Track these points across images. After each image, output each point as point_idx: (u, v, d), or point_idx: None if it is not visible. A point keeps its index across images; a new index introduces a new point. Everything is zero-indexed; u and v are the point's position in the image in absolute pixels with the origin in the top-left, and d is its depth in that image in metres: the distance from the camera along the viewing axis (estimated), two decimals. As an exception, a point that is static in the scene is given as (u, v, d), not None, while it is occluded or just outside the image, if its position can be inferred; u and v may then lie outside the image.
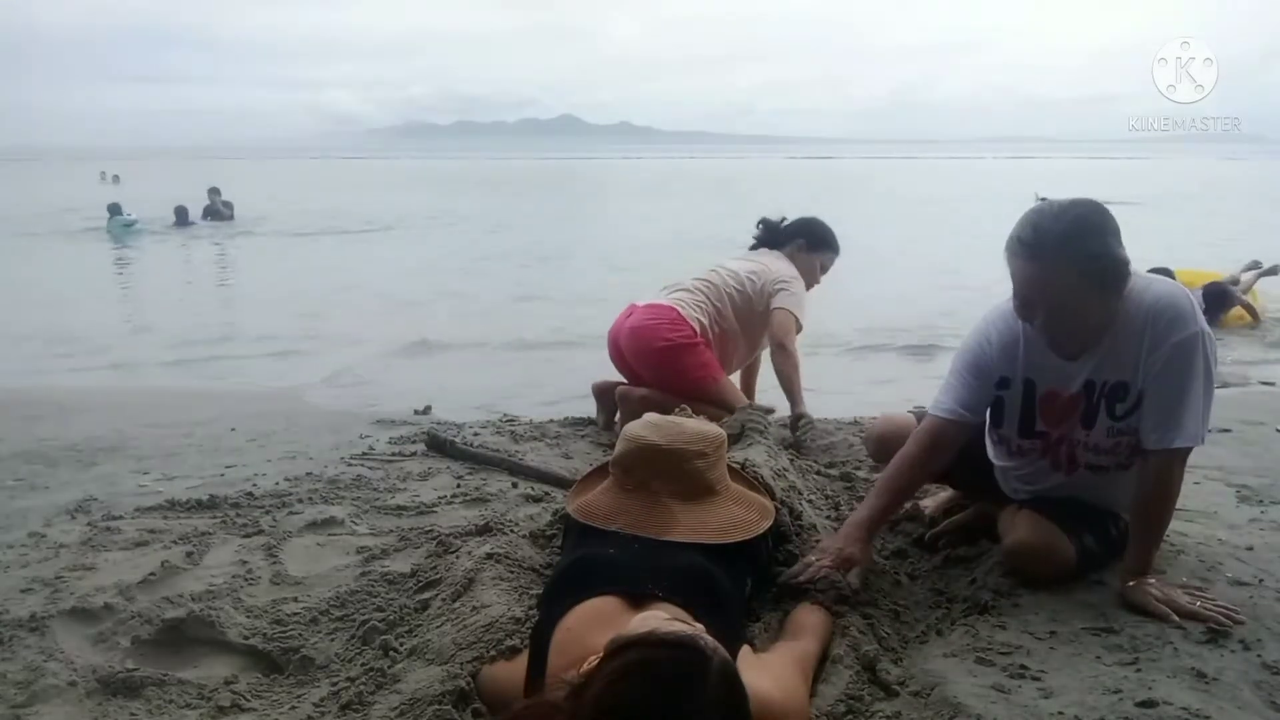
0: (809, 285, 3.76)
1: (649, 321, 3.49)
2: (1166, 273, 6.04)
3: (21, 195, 25.34)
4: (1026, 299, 1.95)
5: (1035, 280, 1.91)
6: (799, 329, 3.59)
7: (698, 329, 3.49)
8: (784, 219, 3.87)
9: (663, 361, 3.46)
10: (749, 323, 3.63)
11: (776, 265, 3.68)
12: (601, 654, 1.24)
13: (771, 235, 3.84)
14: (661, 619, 1.38)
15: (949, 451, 2.17)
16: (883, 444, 2.61)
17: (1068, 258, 1.86)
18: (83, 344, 6.35)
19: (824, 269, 3.84)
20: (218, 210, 16.66)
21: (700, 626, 1.42)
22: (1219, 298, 6.41)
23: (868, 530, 2.13)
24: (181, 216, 15.75)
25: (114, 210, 15.21)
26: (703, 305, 3.56)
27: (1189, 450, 1.96)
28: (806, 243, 3.78)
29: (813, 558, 2.07)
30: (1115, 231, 1.90)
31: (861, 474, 3.04)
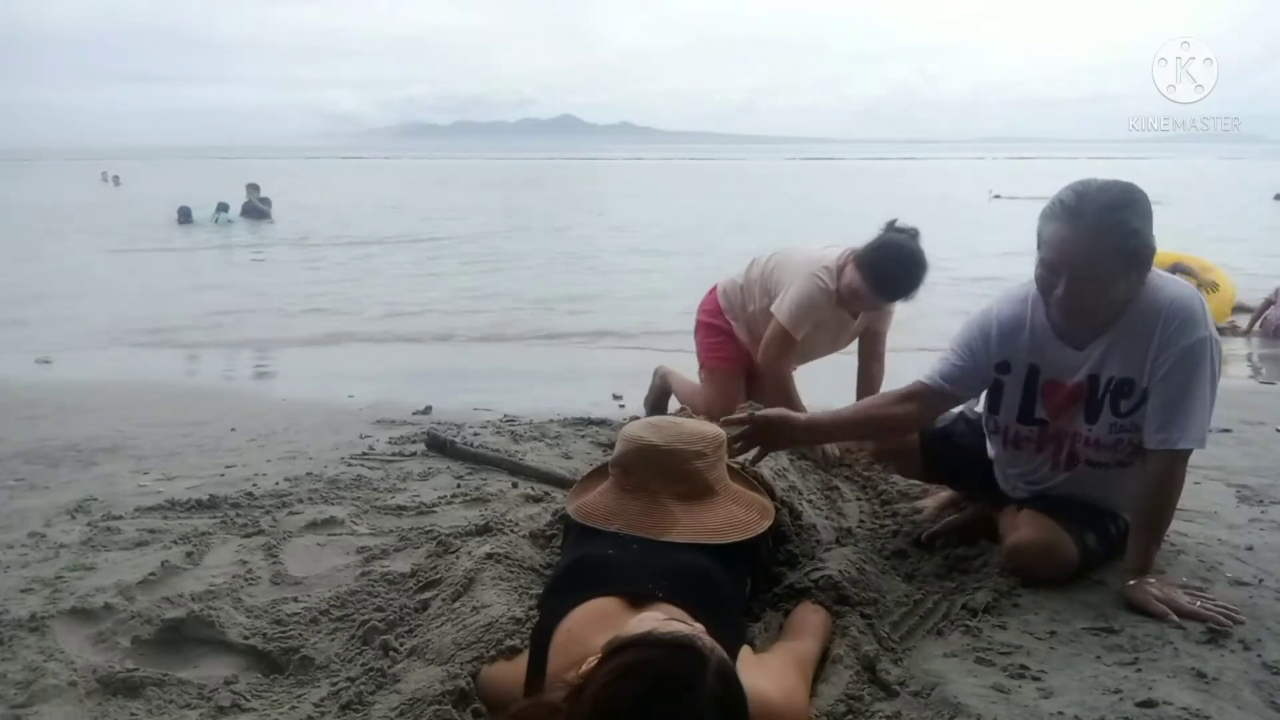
0: (856, 309, 3.17)
1: (708, 292, 3.67)
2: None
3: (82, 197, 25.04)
4: (1054, 265, 1.94)
5: (1069, 245, 1.90)
6: (788, 343, 3.13)
7: (727, 314, 3.49)
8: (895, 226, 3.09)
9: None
10: (753, 322, 3.40)
11: (804, 257, 3.20)
12: (600, 655, 1.24)
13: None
14: (660, 619, 1.38)
15: (916, 408, 2.22)
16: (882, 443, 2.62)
17: (1107, 227, 1.86)
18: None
19: (860, 297, 3.05)
20: (256, 208, 16.66)
21: (700, 626, 1.42)
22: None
23: (812, 419, 2.33)
24: (184, 215, 15.88)
25: (184, 215, 15.80)
26: (735, 293, 3.47)
27: (1190, 452, 1.97)
28: (857, 256, 3.06)
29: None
30: (1150, 216, 1.91)
31: (860, 471, 3.04)
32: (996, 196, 23.20)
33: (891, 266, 2.97)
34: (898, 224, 3.09)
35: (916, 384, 2.23)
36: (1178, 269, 6.63)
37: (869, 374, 3.43)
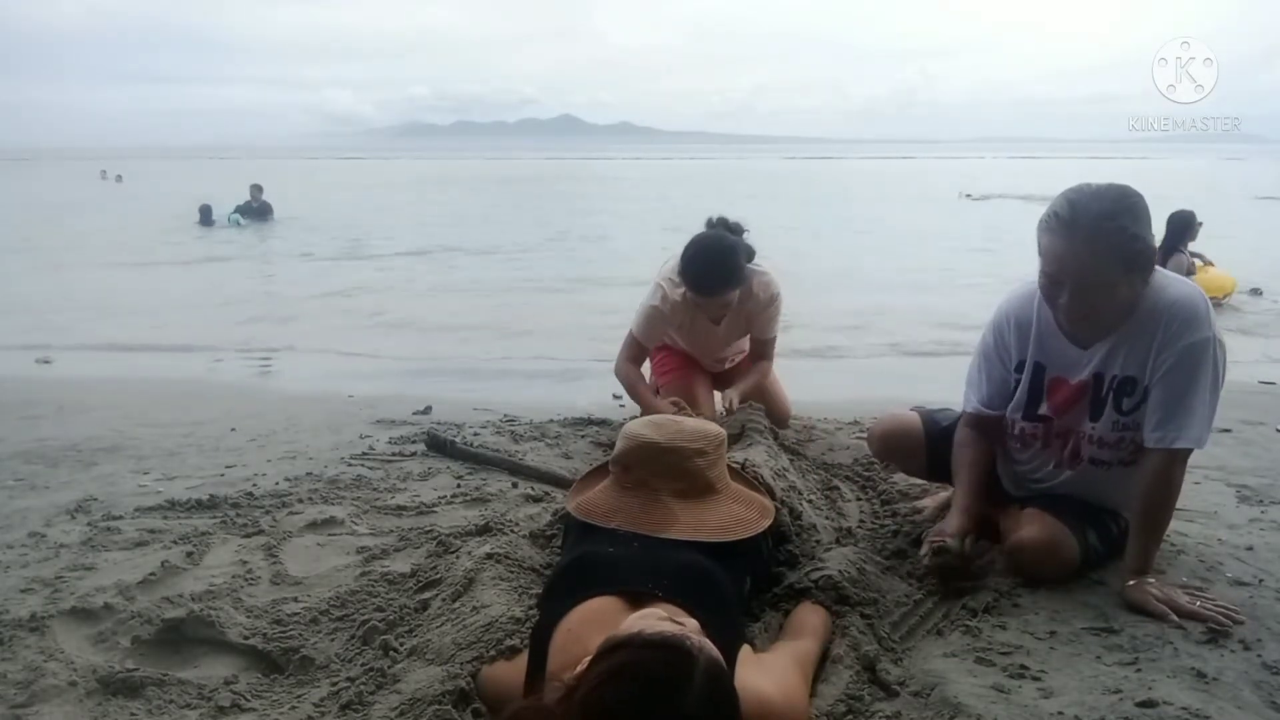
0: (709, 313, 3.22)
1: None
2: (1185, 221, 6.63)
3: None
4: (1055, 276, 1.95)
5: (1067, 256, 1.91)
6: (634, 348, 3.31)
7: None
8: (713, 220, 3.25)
9: None
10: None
11: (665, 269, 3.30)
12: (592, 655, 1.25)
13: None
14: (657, 618, 1.38)
15: (992, 432, 2.30)
16: (886, 442, 2.62)
17: (1103, 234, 1.87)
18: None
19: (694, 301, 3.14)
20: (260, 207, 16.80)
21: (694, 624, 1.41)
22: (1183, 226, 6.91)
23: (969, 507, 2.22)
24: (205, 216, 15.98)
25: (205, 215, 15.93)
26: None
27: (1190, 451, 1.97)
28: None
29: (929, 540, 2.16)
30: (1148, 218, 1.92)
31: (860, 470, 3.04)
32: (967, 196, 23.24)
33: (697, 264, 3.04)
34: (714, 219, 3.20)
35: (969, 415, 2.31)
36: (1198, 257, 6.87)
37: (753, 380, 3.42)
